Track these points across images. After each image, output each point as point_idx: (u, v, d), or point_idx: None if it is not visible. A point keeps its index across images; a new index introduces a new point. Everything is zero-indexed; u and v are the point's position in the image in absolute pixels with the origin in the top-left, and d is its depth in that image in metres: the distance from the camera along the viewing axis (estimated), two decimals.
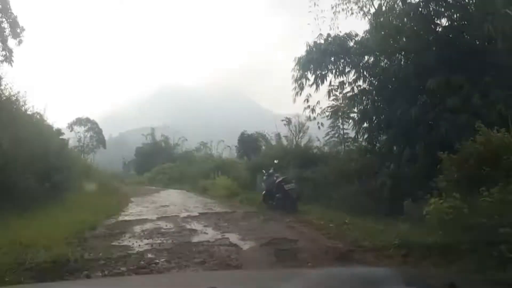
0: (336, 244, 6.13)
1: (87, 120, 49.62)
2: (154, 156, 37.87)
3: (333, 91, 11.83)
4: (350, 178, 10.66)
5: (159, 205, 13.55)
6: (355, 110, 11.95)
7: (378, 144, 11.37)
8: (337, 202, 9.81)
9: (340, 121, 13.68)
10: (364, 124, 11.28)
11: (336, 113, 13.02)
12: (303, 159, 13.49)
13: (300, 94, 11.42)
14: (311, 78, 11.25)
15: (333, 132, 13.91)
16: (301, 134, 18.12)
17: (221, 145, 32.64)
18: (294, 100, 11.55)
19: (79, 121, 48.45)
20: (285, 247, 5.84)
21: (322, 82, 11.26)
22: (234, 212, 10.78)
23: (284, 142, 17.52)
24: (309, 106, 11.66)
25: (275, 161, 11.95)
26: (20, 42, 17.57)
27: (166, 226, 8.36)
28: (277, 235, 6.78)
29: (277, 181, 10.32)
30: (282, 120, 20.09)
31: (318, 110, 11.83)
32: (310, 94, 11.45)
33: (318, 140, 14.63)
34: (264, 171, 11.65)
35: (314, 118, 12.15)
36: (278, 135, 18.40)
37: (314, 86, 11.27)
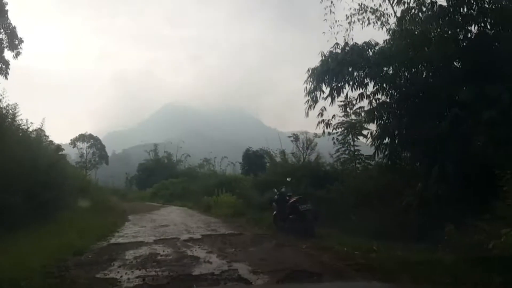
0: (368, 280, 5.05)
1: (90, 137, 49.43)
2: (157, 172, 37.17)
3: (349, 105, 11.12)
4: (370, 198, 9.67)
5: (158, 224, 12.47)
6: (373, 125, 11.03)
7: (399, 161, 10.38)
8: (357, 225, 8.72)
9: (351, 137, 12.73)
10: (384, 140, 10.32)
11: (352, 128, 12.14)
12: (315, 177, 12.59)
13: (314, 107, 10.67)
14: (326, 90, 10.47)
15: (343, 149, 12.93)
16: (309, 150, 17.33)
17: (225, 161, 31.71)
18: (307, 114, 10.80)
19: (82, 137, 48.17)
20: (307, 285, 4.74)
21: (339, 95, 10.52)
22: (241, 234, 9.66)
23: (292, 158, 16.55)
24: (323, 121, 10.92)
25: (288, 179, 10.89)
26: (18, 54, 17.00)
27: (164, 251, 7.27)
28: (295, 266, 5.68)
29: (291, 201, 9.21)
30: (289, 137, 19.35)
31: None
32: (324, 108, 10.72)
33: (331, 156, 13.62)
34: (276, 190, 10.57)
35: (329, 133, 11.42)
36: (282, 152, 17.49)
37: (329, 99, 10.48)
